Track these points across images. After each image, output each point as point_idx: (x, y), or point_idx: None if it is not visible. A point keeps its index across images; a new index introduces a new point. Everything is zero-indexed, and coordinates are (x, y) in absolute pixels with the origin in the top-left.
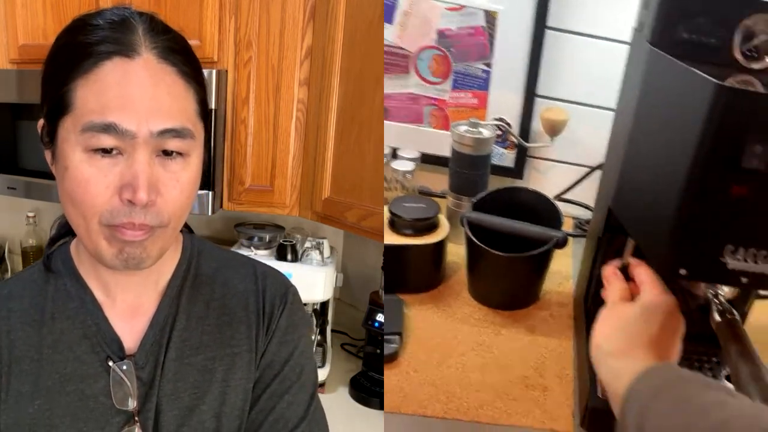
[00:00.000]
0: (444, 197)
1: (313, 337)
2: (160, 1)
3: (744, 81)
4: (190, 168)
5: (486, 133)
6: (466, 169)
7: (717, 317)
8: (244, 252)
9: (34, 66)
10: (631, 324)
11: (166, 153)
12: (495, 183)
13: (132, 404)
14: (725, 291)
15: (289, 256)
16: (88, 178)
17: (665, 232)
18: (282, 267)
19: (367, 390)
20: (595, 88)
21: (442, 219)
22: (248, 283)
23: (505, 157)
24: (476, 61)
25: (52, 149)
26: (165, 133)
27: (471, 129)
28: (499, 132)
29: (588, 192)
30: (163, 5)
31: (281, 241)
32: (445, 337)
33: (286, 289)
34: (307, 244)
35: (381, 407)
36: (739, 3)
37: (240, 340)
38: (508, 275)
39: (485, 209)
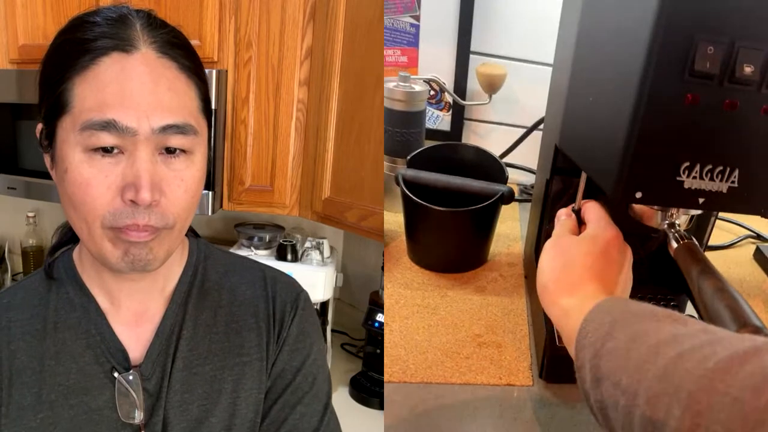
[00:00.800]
0: None
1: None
2: (160, 0)
3: None
4: (195, 166)
5: (418, 87)
6: (399, 127)
7: (674, 244)
8: (244, 252)
9: (34, 66)
10: (576, 257)
11: (169, 151)
12: None
13: (138, 417)
14: (682, 221)
15: (289, 256)
16: (89, 179)
17: (618, 154)
18: (282, 267)
19: (367, 390)
20: (532, 42)
21: None
22: (257, 289)
23: (441, 120)
24: (403, 14)
25: (51, 152)
26: (167, 129)
27: (401, 83)
28: (433, 92)
29: (530, 156)
30: (163, 5)
31: (281, 241)
32: (386, 303)
33: (297, 294)
34: (307, 244)
35: (381, 407)
36: None
37: (250, 349)
38: (451, 234)
39: (421, 168)
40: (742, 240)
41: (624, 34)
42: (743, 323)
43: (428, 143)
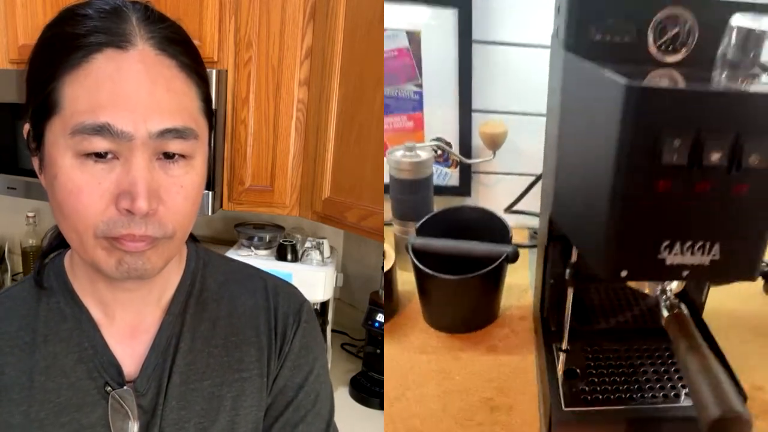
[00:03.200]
0: (390, 225)
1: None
2: (159, 0)
3: (664, 75)
4: (195, 171)
5: (424, 155)
6: (407, 194)
7: (665, 313)
8: (244, 252)
9: None
10: None
11: (167, 156)
12: (443, 203)
13: None
14: (674, 286)
15: (289, 256)
16: (81, 186)
17: (602, 236)
18: (282, 267)
19: (367, 390)
20: (530, 95)
21: (387, 248)
22: (258, 299)
23: (449, 176)
24: (405, 83)
25: (39, 155)
26: (165, 133)
27: (407, 153)
28: (439, 153)
29: (539, 200)
30: (163, 4)
31: (281, 241)
32: (402, 370)
33: (299, 305)
34: (307, 244)
35: (381, 407)
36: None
37: (250, 364)
38: (460, 298)
39: (430, 233)
40: None
41: (597, 125)
42: (728, 408)
43: (437, 199)
